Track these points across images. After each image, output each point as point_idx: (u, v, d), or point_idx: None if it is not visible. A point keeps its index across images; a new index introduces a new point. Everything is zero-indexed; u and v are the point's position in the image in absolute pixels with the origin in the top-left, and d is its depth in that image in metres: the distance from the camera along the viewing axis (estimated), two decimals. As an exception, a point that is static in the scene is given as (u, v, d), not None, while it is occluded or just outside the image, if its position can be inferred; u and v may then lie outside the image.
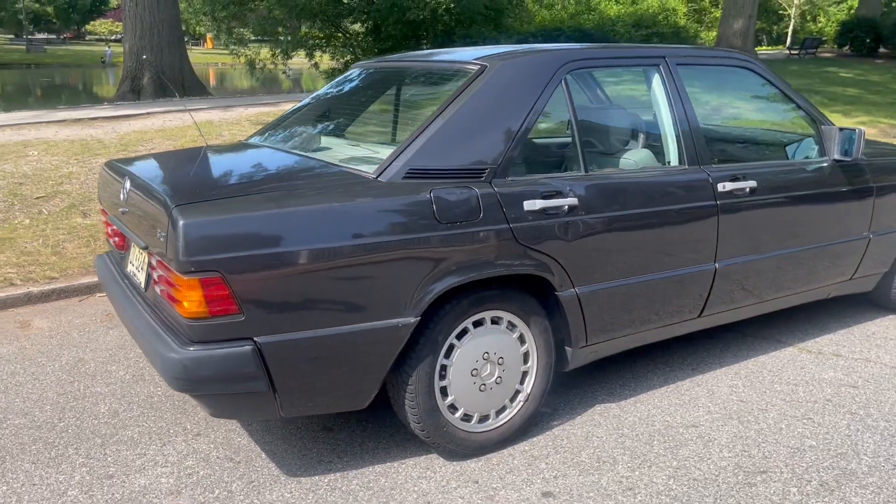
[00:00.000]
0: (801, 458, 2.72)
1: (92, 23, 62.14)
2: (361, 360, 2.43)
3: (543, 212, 2.67)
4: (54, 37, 64.62)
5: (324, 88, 3.67)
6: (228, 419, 2.77)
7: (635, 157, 3.23)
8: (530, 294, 2.77)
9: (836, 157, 3.48)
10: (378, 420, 3.00)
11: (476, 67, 2.84)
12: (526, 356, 2.81)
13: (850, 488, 2.54)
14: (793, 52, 29.29)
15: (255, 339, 2.26)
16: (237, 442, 2.86)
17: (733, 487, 2.55)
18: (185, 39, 22.13)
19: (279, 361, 2.31)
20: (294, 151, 2.97)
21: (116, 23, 61.37)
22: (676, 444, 2.82)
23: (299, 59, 24.73)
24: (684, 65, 3.25)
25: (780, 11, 47.19)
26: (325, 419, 3.02)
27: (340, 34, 22.84)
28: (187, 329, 2.24)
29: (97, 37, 62.23)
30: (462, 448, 2.71)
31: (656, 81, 3.15)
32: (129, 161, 3.06)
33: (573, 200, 2.74)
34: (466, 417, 2.72)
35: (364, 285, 2.37)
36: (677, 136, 3.12)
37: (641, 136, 3.29)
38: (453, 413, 2.68)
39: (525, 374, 2.83)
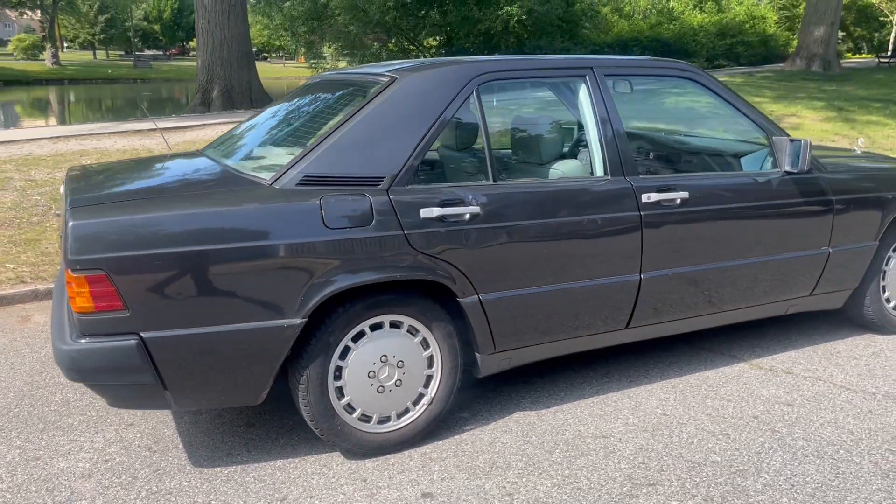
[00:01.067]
0: (698, 473, 2.69)
1: (193, 41, 65.11)
2: (249, 359, 2.56)
3: (441, 219, 2.74)
4: (161, 53, 68.18)
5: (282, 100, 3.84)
6: (127, 409, 2.95)
7: (564, 168, 3.26)
8: (433, 299, 2.84)
9: (787, 168, 3.40)
10: (299, 418, 3.12)
11: (386, 79, 2.95)
12: (430, 360, 2.88)
13: (735, 502, 2.50)
14: (882, 60, 27.95)
15: (140, 334, 2.43)
16: (162, 433, 3.04)
17: (614, 498, 2.55)
18: (280, 55, 22.99)
19: (165, 356, 2.46)
20: (219, 160, 3.14)
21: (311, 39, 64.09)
22: (576, 454, 2.83)
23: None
24: (614, 75, 3.25)
25: (882, 18, 45.01)
26: (249, 415, 3.17)
27: (414, 47, 23.23)
28: (77, 323, 2.42)
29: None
30: (359, 448, 2.81)
31: (583, 92, 3.18)
32: (82, 168, 3.31)
33: (475, 209, 2.80)
34: (365, 418, 2.81)
35: (249, 287, 2.50)
36: (602, 147, 3.13)
37: (570, 147, 3.32)
38: (351, 413, 2.78)
39: (430, 377, 2.90)
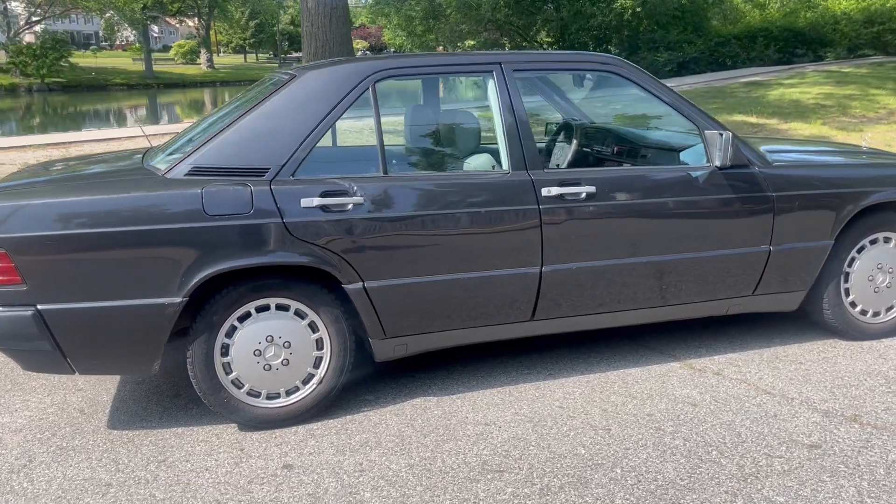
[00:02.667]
0: (552, 465, 2.72)
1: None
2: (136, 333, 2.84)
3: (323, 209, 2.91)
4: (298, 55, 71.36)
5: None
6: (39, 373, 3.30)
7: (475, 162, 3.34)
8: (321, 285, 3.01)
9: (717, 164, 3.30)
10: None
11: (287, 76, 3.14)
12: (319, 342, 3.06)
13: (566, 495, 2.52)
14: None
15: (37, 306, 2.76)
16: (100, 398, 3.39)
17: (458, 480, 2.63)
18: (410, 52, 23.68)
19: (60, 327, 2.78)
20: (151, 155, 3.43)
21: (358, 40, 66.29)
22: (448, 439, 2.92)
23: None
24: (525, 70, 3.29)
25: None
26: (178, 386, 3.47)
27: (527, 44, 23.21)
28: None
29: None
30: (248, 421, 3.03)
31: (490, 88, 3.24)
32: (45, 161, 3.72)
33: (359, 199, 2.95)
34: (254, 393, 3.03)
35: (134, 267, 2.78)
36: (506, 141, 3.18)
37: (481, 141, 3.38)
38: (239, 388, 3.01)
39: (319, 358, 3.08)
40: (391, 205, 3.00)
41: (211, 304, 2.90)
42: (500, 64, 3.25)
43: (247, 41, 63.85)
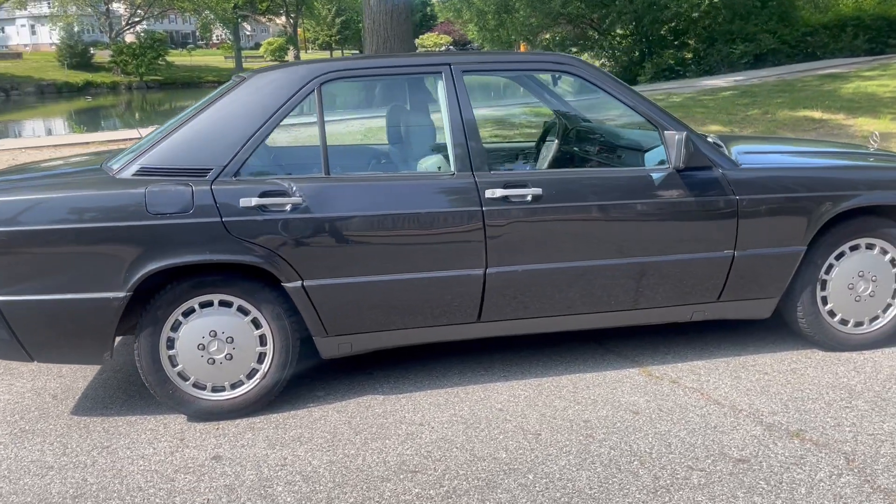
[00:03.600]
0: (468, 467, 2.72)
1: (421, 36, 68.44)
2: (86, 325, 2.99)
3: (261, 209, 3.00)
4: (390, 49, 72.29)
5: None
6: (2, 360, 3.48)
7: (427, 163, 3.36)
8: (262, 283, 3.10)
9: (674, 165, 3.21)
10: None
11: (238, 80, 3.24)
12: (262, 339, 3.15)
13: (469, 498, 2.53)
14: None
15: (-6, 297, 2.95)
16: (76, 385, 3.58)
17: (370, 479, 2.67)
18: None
19: (16, 317, 2.96)
20: (115, 155, 3.58)
21: (442, 35, 66.59)
22: (378, 438, 2.96)
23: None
24: (474, 71, 3.29)
25: None
26: (146, 377, 3.61)
27: (600, 37, 22.83)
28: None
29: (425, 48, 68.41)
30: (194, 413, 3.15)
31: (439, 89, 3.25)
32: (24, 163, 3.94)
33: (297, 200, 3.02)
34: (199, 386, 3.14)
35: (82, 262, 2.93)
36: (452, 143, 3.19)
37: (432, 143, 3.39)
38: (185, 381, 3.12)
39: (262, 354, 3.16)
40: (330, 205, 3.05)
41: (155, 299, 3.02)
42: (448, 65, 3.25)
43: (333, 38, 65.08)
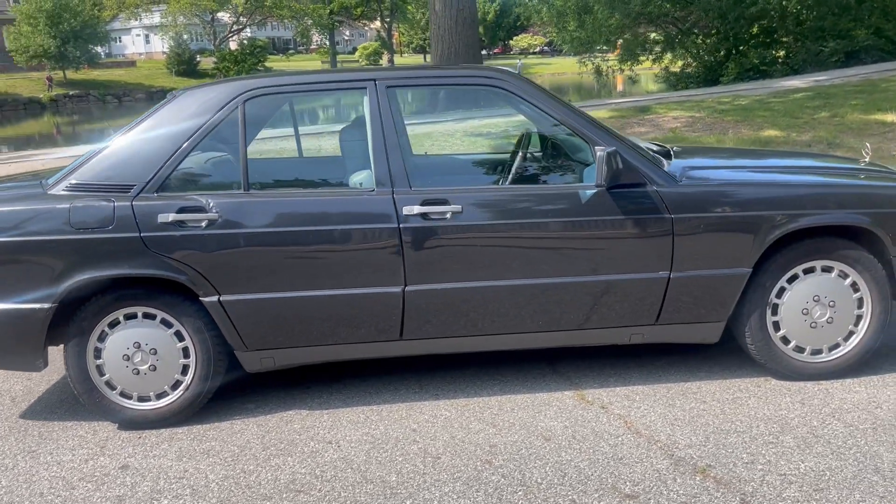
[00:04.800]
0: (354, 489, 2.70)
1: (515, 38, 68.36)
2: (18, 333, 3.14)
3: (178, 224, 3.07)
4: (484, 53, 72.49)
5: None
6: None
7: (357, 179, 3.35)
8: (183, 296, 3.16)
9: (598, 182, 3.08)
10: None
11: (170, 97, 3.32)
12: (185, 351, 3.22)
13: (336, 523, 2.51)
14: None
15: (-62, 305, 3.13)
16: (37, 389, 3.76)
17: (253, 496, 2.69)
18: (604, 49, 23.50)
19: (-46, 324, 3.14)
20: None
21: (535, 36, 66.13)
22: (281, 454, 2.97)
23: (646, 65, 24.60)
24: (399, 87, 3.25)
25: None
26: (100, 383, 3.75)
27: (683, 37, 22.16)
28: None
29: (517, 50, 68.26)
30: (120, 421, 3.25)
31: (364, 105, 3.23)
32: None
33: (214, 216, 3.07)
34: (126, 395, 3.24)
35: (13, 273, 3.08)
36: (374, 159, 3.17)
37: (361, 158, 3.37)
38: (112, 390, 3.23)
39: (186, 366, 3.23)
40: (247, 221, 3.09)
41: (82, 310, 3.14)
42: (374, 81, 3.23)
43: (426, 41, 65.75)
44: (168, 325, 3.19)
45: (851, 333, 3.30)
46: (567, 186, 3.21)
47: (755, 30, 21.78)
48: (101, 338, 3.18)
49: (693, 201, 3.15)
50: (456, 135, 9.21)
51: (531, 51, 64.24)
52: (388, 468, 2.82)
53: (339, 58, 61.68)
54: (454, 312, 3.19)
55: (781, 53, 21.60)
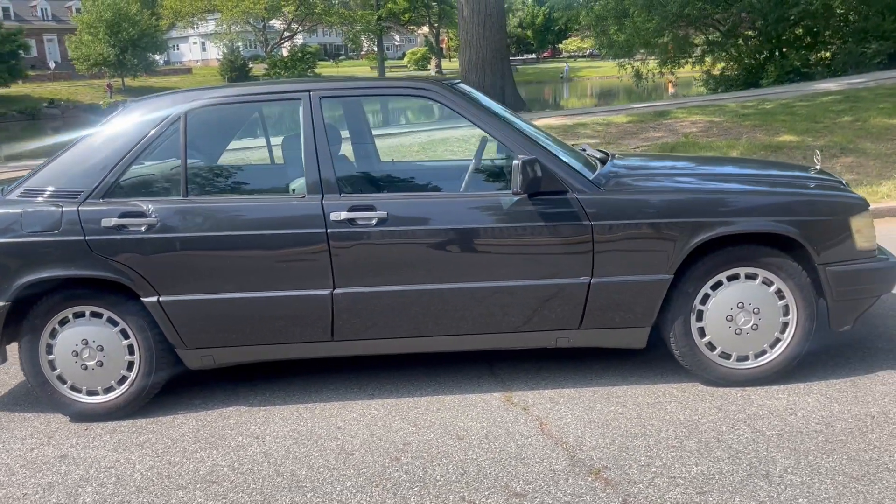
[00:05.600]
0: (264, 482, 2.84)
1: (564, 41, 68.06)
2: (-24, 329, 3.37)
3: (120, 228, 3.25)
4: (533, 56, 72.40)
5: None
6: None
7: (294, 185, 3.50)
8: (127, 296, 3.35)
9: (514, 189, 3.17)
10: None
11: (121, 108, 3.52)
12: (131, 348, 3.40)
13: (235, 512, 2.65)
14: None
15: None
16: (9, 382, 4.00)
17: (170, 487, 2.85)
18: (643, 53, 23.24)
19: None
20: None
21: (585, 39, 65.63)
22: (209, 447, 3.13)
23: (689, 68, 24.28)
24: (332, 97, 3.39)
25: None
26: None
27: (723, 39, 21.81)
28: None
29: (567, 54, 67.96)
30: (72, 414, 3.45)
31: (299, 115, 3.37)
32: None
33: (153, 220, 3.25)
34: (76, 389, 3.44)
35: (-33, 274, 3.30)
36: (306, 166, 3.31)
37: (298, 167, 3.50)
38: (63, 384, 3.43)
39: (131, 363, 3.42)
40: (184, 225, 3.26)
41: (33, 309, 3.35)
42: (308, 92, 3.37)
43: (476, 45, 66.00)
44: (114, 323, 3.38)
45: (778, 340, 3.30)
46: (489, 194, 3.30)
47: (800, 31, 21.33)
48: (53, 335, 3.39)
49: (613, 208, 3.20)
50: (423, 144, 9.38)
51: (580, 54, 63.83)
52: (301, 463, 2.95)
53: (388, 63, 62.31)
54: (382, 315, 3.30)
55: (826, 55, 21.11)
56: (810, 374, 3.39)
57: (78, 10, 55.87)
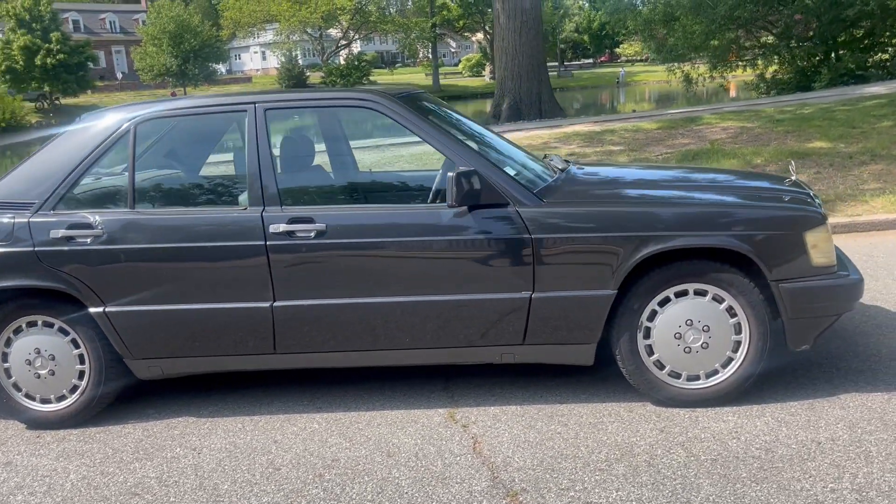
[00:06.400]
0: (185, 495, 2.84)
1: (621, 45, 67.10)
2: (-61, 335, 3.46)
3: (67, 240, 3.31)
4: (590, 61, 71.72)
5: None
6: None
7: (241, 198, 3.50)
8: (78, 306, 3.40)
9: (449, 202, 3.10)
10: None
11: (78, 121, 3.58)
12: (82, 357, 3.46)
13: (146, 526, 2.65)
14: None
15: None
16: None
17: (92, 498, 2.87)
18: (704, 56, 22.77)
19: None
20: None
21: (633, 44, 64.81)
22: (142, 458, 3.15)
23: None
24: (277, 109, 3.38)
25: None
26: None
27: (776, 42, 21.22)
28: None
29: (626, 58, 67.01)
30: (27, 421, 3.52)
31: (244, 128, 3.38)
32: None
33: (98, 232, 3.30)
34: (30, 397, 3.51)
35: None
36: (249, 179, 3.32)
37: (243, 179, 3.49)
38: (18, 391, 3.50)
39: (82, 372, 3.47)
40: (129, 237, 3.29)
41: (-13, 317, 3.43)
42: (253, 104, 3.37)
43: (531, 51, 65.85)
44: (65, 333, 3.43)
45: (730, 360, 3.16)
46: (429, 207, 3.24)
47: (859, 32, 20.62)
48: (7, 343, 3.46)
49: (554, 221, 3.11)
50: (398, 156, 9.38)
51: (638, 58, 62.87)
52: (227, 477, 2.94)
53: (444, 70, 62.53)
54: (323, 328, 3.27)
55: (885, 57, 20.34)
56: (768, 396, 3.23)
57: (144, 23, 57.67)
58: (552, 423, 3.16)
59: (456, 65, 71.75)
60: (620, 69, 57.50)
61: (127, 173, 3.40)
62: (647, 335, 3.17)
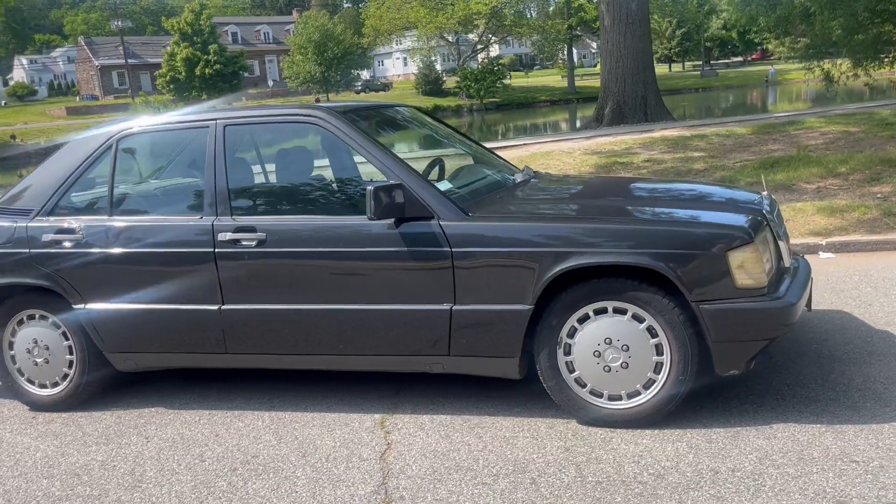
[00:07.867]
0: (109, 480, 3.11)
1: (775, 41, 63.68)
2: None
3: (55, 243, 3.71)
4: (739, 59, 68.49)
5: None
6: None
7: (204, 207, 3.77)
8: (66, 301, 3.79)
9: (368, 215, 3.19)
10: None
11: (74, 137, 3.98)
12: (71, 349, 3.85)
13: (72, 501, 2.95)
14: None
15: None
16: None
17: (39, 476, 3.21)
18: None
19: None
20: None
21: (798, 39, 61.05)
22: (103, 443, 3.47)
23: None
24: (237, 125, 3.62)
25: None
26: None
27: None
28: None
29: (778, 56, 63.39)
30: (26, 402, 3.95)
31: (206, 142, 3.64)
32: None
33: (79, 236, 3.68)
34: (30, 381, 3.93)
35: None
36: (207, 189, 3.58)
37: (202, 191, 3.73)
38: (21, 376, 3.94)
39: (72, 361, 3.86)
40: (104, 241, 3.64)
41: (-4, 311, 3.89)
42: (215, 121, 3.63)
43: (672, 50, 63.71)
44: (57, 326, 3.82)
45: (652, 381, 3.07)
46: (359, 219, 3.34)
47: None
48: (13, 333, 3.90)
49: (473, 236, 3.15)
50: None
51: (791, 55, 59.33)
52: (156, 465, 3.19)
53: (582, 71, 61.78)
54: (265, 332, 3.47)
55: None
56: (696, 421, 3.11)
57: (293, 33, 60.77)
58: (468, 435, 3.19)
59: (595, 65, 70.64)
60: (770, 67, 54.58)
61: (108, 184, 3.74)
62: (568, 352, 3.14)
